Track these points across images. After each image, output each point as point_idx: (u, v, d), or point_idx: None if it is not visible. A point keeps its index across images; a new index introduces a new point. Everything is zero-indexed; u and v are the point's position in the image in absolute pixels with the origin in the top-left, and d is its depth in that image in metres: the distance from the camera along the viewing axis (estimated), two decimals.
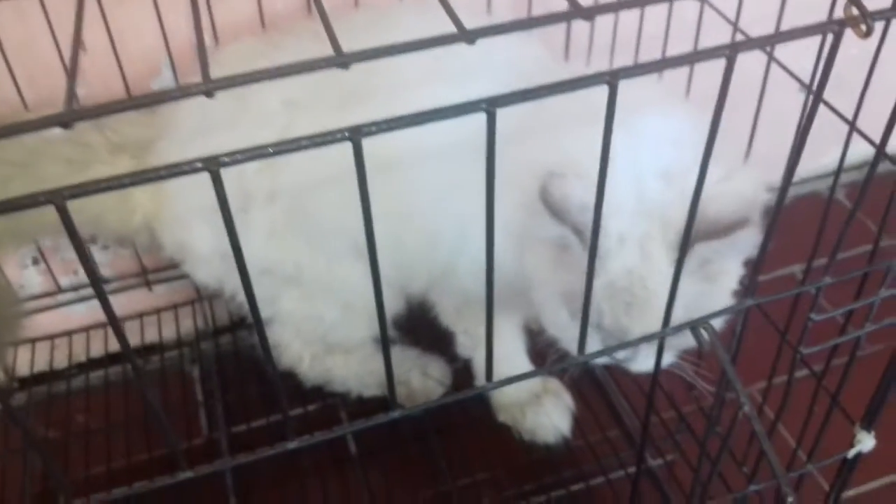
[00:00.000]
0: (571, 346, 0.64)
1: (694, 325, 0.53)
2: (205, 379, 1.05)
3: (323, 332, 0.90)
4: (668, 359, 0.66)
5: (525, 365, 0.91)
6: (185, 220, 0.86)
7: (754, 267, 0.51)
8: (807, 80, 0.70)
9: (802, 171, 1.07)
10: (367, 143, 0.35)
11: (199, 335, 1.09)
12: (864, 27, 0.37)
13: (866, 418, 0.69)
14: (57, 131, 0.85)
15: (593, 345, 0.62)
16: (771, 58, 0.68)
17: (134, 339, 1.08)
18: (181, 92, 0.33)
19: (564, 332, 0.65)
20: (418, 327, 0.93)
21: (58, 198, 0.31)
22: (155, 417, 0.93)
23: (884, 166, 0.56)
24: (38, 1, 0.83)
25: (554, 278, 0.63)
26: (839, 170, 0.67)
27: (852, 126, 0.65)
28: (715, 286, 0.62)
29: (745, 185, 0.59)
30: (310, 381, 0.95)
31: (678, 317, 0.54)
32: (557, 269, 0.62)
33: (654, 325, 0.59)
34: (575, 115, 0.60)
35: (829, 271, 0.53)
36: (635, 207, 0.60)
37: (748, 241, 0.58)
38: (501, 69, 0.70)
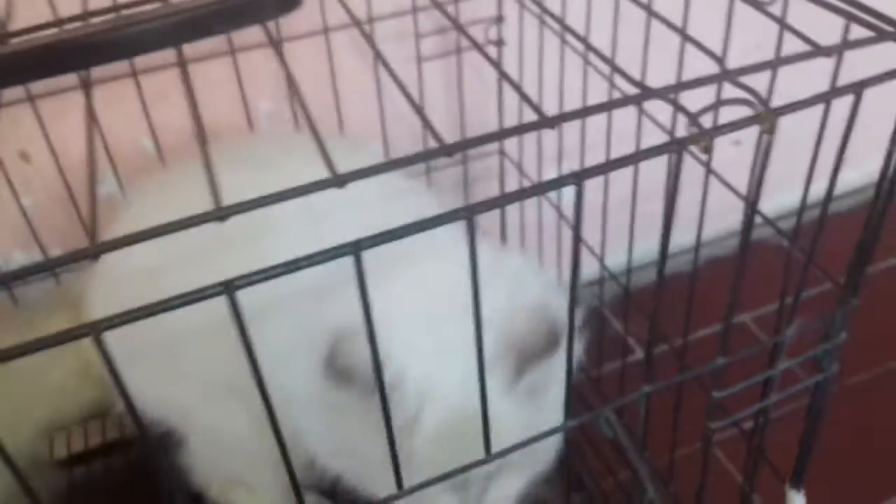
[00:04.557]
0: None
1: (597, 416, 0.55)
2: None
3: (230, 474, 0.88)
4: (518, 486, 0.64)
5: None
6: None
7: (647, 352, 0.53)
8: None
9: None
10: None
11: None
12: (703, 145, 0.41)
13: (793, 477, 0.71)
14: None
15: (446, 501, 0.60)
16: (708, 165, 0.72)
17: (96, 439, 1.09)
18: (71, 257, 0.36)
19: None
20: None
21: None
22: None
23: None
24: None
25: (371, 446, 0.55)
26: (746, 242, 0.71)
27: (748, 202, 0.68)
28: (544, 403, 0.60)
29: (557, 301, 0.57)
30: None
31: (513, 441, 0.52)
32: (368, 436, 0.55)
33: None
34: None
35: (722, 351, 0.56)
36: (435, 349, 0.57)
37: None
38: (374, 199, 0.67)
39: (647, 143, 0.81)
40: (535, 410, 0.59)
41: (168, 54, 0.94)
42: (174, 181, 0.83)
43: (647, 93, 0.43)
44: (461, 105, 1.03)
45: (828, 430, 0.70)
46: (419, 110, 0.44)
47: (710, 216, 0.79)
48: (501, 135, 0.40)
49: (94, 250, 0.36)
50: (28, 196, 0.95)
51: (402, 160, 0.41)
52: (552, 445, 0.64)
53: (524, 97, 0.43)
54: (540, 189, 0.40)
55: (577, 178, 0.39)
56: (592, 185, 0.61)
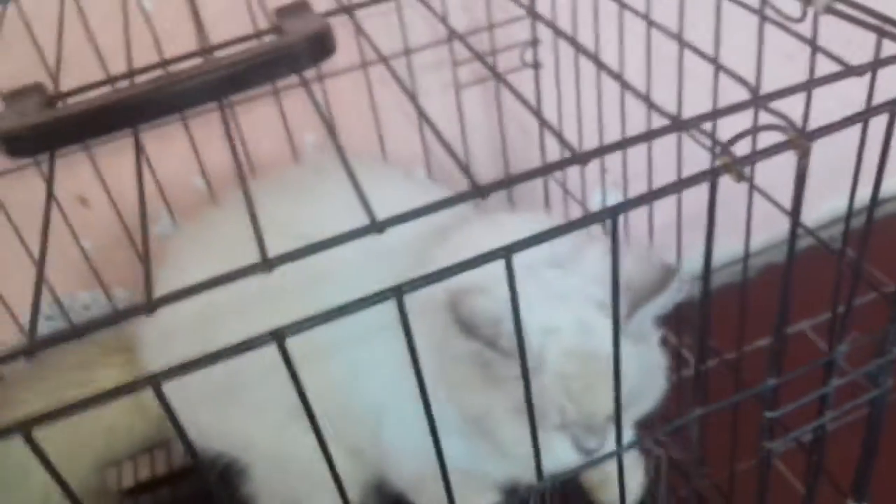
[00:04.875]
0: (544, 459, 0.62)
1: (650, 448, 0.55)
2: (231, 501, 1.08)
3: (293, 500, 0.89)
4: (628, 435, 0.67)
5: None
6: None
7: (696, 373, 0.53)
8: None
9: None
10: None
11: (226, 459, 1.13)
12: (736, 173, 0.41)
13: (856, 490, 0.70)
14: None
15: (563, 448, 0.63)
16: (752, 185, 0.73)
17: (162, 468, 1.13)
18: (125, 314, 0.37)
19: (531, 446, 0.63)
20: None
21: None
22: None
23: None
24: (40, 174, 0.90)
25: (496, 398, 0.62)
26: (790, 260, 0.71)
27: (795, 220, 0.68)
28: (650, 345, 0.64)
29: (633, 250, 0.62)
30: None
31: (634, 387, 0.56)
32: (493, 389, 0.62)
33: (620, 397, 0.59)
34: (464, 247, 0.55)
35: (777, 372, 0.55)
36: (546, 297, 0.61)
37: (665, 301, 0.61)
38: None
39: (690, 161, 0.82)
40: (644, 350, 0.62)
41: None
42: (217, 221, 0.86)
43: (679, 124, 0.44)
44: (502, 130, 1.04)
45: (891, 441, 0.69)
46: (448, 148, 0.46)
47: (764, 223, 0.78)
48: (530, 175, 0.41)
49: (148, 307, 0.38)
50: (87, 239, 0.98)
51: (439, 203, 0.42)
52: (660, 385, 0.67)
53: (556, 134, 0.44)
54: (574, 226, 0.41)
55: (612, 212, 0.40)
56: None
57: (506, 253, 0.40)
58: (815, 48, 0.52)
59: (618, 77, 0.47)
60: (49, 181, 0.51)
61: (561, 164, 0.41)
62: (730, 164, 0.41)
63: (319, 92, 0.98)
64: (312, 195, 0.79)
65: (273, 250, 0.40)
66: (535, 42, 0.98)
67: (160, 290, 0.82)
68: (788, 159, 0.57)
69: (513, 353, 0.58)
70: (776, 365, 0.55)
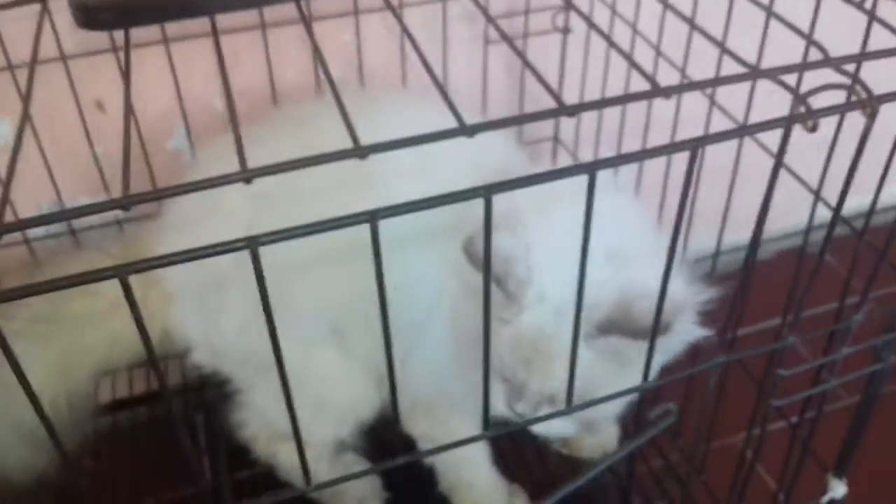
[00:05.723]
0: (464, 387, 0.65)
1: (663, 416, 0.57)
2: (209, 425, 1.09)
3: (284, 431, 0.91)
4: (567, 428, 0.69)
5: (490, 473, 0.90)
6: (182, 314, 0.87)
7: (729, 323, 0.56)
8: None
9: (789, 225, 1.13)
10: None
11: (203, 382, 1.13)
12: (810, 124, 0.43)
13: (838, 466, 0.73)
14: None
15: (497, 396, 0.64)
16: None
17: (140, 387, 1.13)
18: (224, 179, 0.38)
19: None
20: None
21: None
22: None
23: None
24: (63, 66, 0.89)
25: (466, 316, 0.64)
26: (808, 230, 0.74)
27: (816, 195, 0.71)
28: (626, 369, 0.62)
29: (677, 287, 0.60)
30: (262, 459, 0.95)
31: (578, 387, 0.56)
32: (472, 311, 0.60)
33: (552, 385, 0.62)
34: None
35: (794, 331, 0.58)
36: (567, 274, 0.58)
37: (670, 343, 0.60)
38: (470, 160, 0.71)
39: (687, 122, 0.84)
40: (617, 366, 0.62)
41: (244, 17, 0.96)
42: (261, 138, 0.85)
43: (756, 72, 0.46)
44: (521, 90, 1.05)
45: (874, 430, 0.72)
46: (542, 77, 0.47)
47: (747, 222, 0.81)
48: (613, 101, 0.43)
49: (245, 175, 0.38)
50: (100, 145, 0.97)
51: (522, 117, 0.43)
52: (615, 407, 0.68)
53: (638, 68, 0.45)
54: (656, 152, 0.42)
55: (695, 144, 0.42)
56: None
57: (590, 168, 0.41)
58: (873, 18, 0.54)
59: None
60: (126, 60, 0.52)
61: (646, 95, 0.43)
62: (804, 115, 0.43)
63: (350, 31, 0.98)
64: (367, 118, 0.79)
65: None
66: (568, 6, 0.99)
67: (193, 208, 0.82)
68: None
69: (514, 299, 0.61)
70: (795, 325, 0.58)
